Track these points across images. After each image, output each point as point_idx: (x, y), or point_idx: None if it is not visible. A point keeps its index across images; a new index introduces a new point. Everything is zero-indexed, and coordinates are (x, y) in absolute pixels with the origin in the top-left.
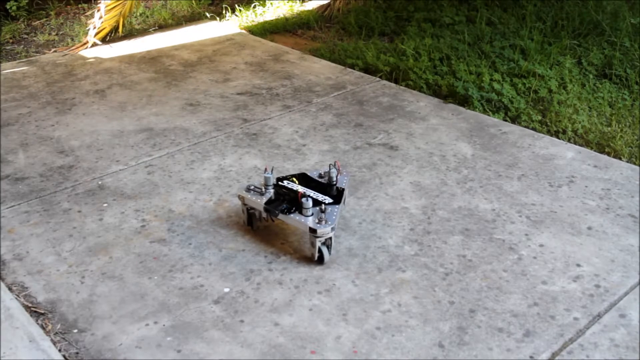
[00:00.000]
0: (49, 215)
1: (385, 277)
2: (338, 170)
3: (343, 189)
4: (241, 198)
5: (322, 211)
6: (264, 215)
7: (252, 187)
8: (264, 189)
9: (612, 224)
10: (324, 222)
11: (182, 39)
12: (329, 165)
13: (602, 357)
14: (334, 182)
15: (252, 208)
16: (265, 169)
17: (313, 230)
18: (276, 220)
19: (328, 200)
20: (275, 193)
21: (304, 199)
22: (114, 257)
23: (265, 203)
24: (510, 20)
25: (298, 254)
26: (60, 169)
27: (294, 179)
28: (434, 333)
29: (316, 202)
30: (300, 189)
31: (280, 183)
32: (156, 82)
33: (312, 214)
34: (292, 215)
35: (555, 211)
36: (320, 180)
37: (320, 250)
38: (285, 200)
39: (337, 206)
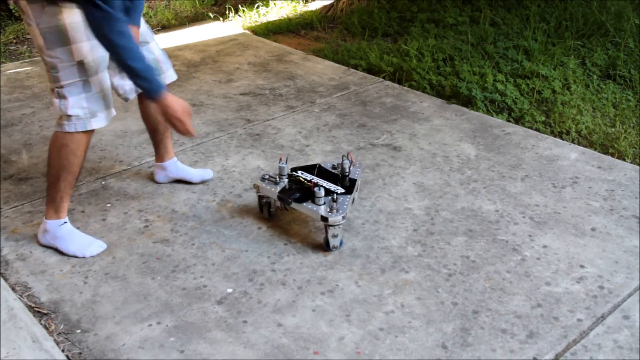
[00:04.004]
0: None
1: (389, 278)
2: (351, 162)
3: (355, 180)
4: (256, 187)
5: (334, 200)
6: (278, 204)
7: (266, 177)
8: (278, 179)
9: (616, 225)
10: (335, 210)
11: (185, 40)
12: (342, 156)
13: (605, 359)
14: (347, 173)
15: (266, 197)
16: (280, 159)
17: (324, 219)
18: (289, 208)
19: (340, 190)
20: (289, 182)
21: (316, 188)
22: (117, 257)
23: (279, 192)
24: (513, 20)
25: (301, 254)
26: None
27: (309, 170)
28: (437, 334)
29: (328, 192)
30: (314, 179)
31: (294, 173)
32: None
33: (324, 203)
34: (304, 204)
35: (559, 212)
36: (333, 171)
37: (327, 240)
38: (298, 189)
39: (348, 196)
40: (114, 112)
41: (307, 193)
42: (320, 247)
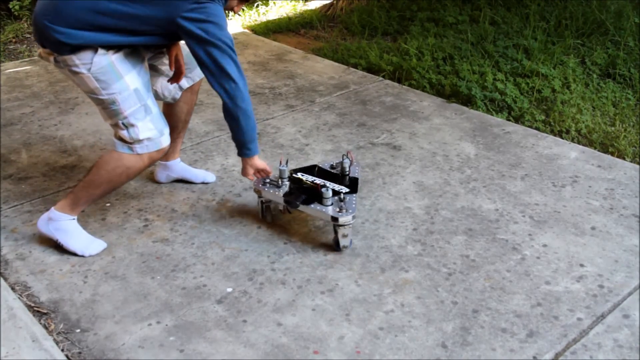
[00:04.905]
0: None
1: (389, 277)
2: (351, 161)
3: (357, 179)
4: (257, 191)
5: (341, 200)
6: (280, 207)
7: (267, 181)
8: (280, 182)
9: (615, 224)
10: (344, 210)
11: None
12: (342, 155)
13: (605, 358)
14: (347, 172)
15: (268, 201)
16: (280, 162)
17: (335, 219)
18: (294, 211)
19: (345, 189)
20: (291, 185)
21: (324, 189)
22: (116, 256)
23: (284, 195)
24: (513, 19)
25: (301, 254)
26: (63, 168)
27: (308, 171)
28: (437, 333)
29: (334, 192)
30: (318, 180)
31: (295, 175)
32: None
33: (332, 204)
34: (312, 205)
35: (559, 211)
36: (332, 171)
37: (337, 240)
38: (303, 191)
39: (354, 195)
40: None
41: (312, 194)
42: (320, 246)
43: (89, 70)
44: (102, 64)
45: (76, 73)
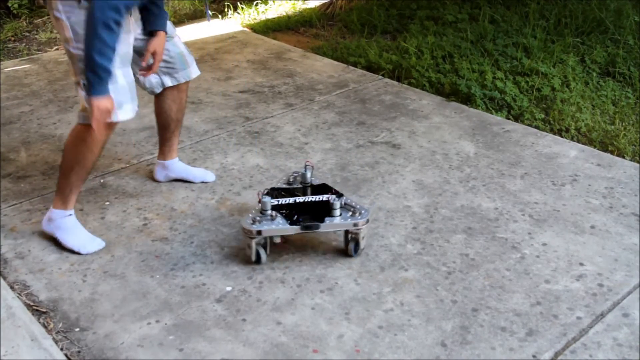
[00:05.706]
0: None
1: (388, 276)
2: (306, 168)
3: (324, 184)
4: (255, 233)
5: (349, 205)
6: (277, 240)
7: (257, 218)
8: (273, 214)
9: (615, 223)
10: (358, 214)
11: (184, 37)
12: (305, 166)
13: (605, 357)
14: (309, 182)
15: (265, 238)
16: (258, 194)
17: (356, 225)
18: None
19: (333, 197)
20: (279, 212)
21: (333, 201)
22: (115, 255)
23: (291, 224)
24: (513, 18)
25: (300, 252)
26: None
27: (278, 195)
28: (437, 332)
29: (327, 203)
30: (299, 198)
31: (276, 203)
32: None
33: (341, 213)
34: (327, 221)
35: (559, 210)
36: (297, 186)
37: (358, 244)
38: (302, 212)
39: (345, 197)
40: (137, 107)
41: (316, 211)
42: (319, 245)
43: (68, 19)
44: (82, 18)
45: (57, 19)
